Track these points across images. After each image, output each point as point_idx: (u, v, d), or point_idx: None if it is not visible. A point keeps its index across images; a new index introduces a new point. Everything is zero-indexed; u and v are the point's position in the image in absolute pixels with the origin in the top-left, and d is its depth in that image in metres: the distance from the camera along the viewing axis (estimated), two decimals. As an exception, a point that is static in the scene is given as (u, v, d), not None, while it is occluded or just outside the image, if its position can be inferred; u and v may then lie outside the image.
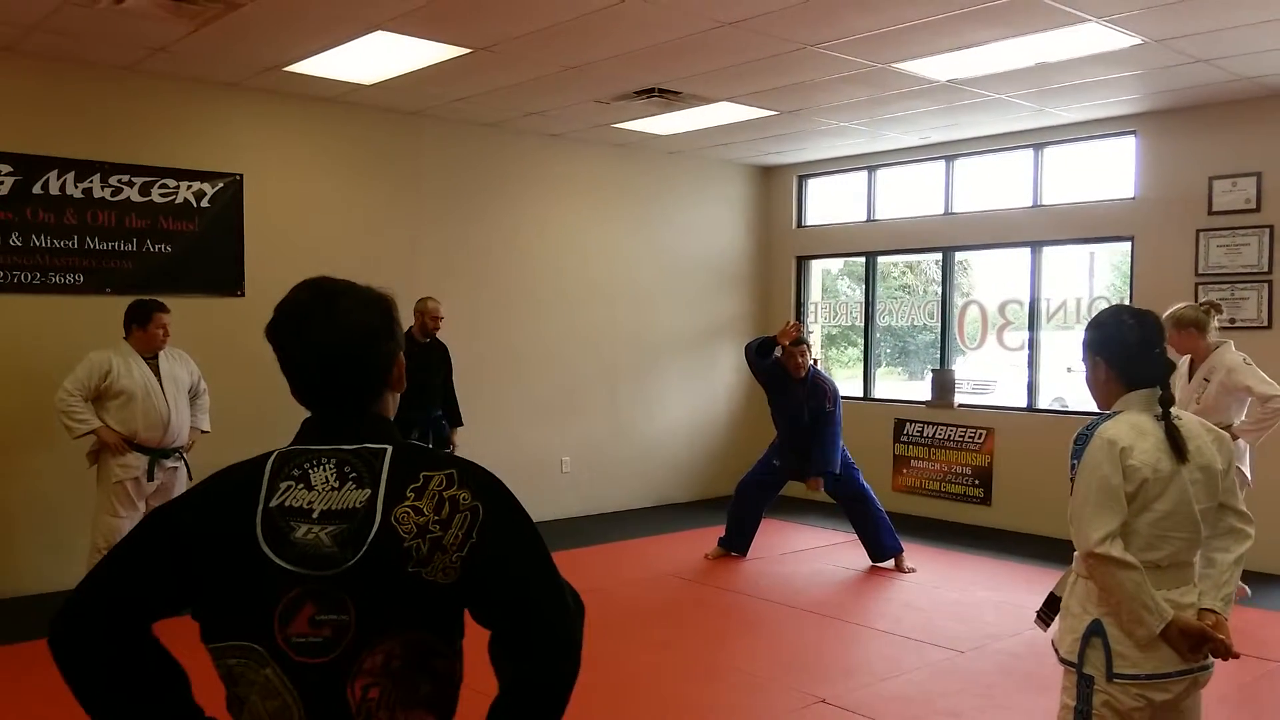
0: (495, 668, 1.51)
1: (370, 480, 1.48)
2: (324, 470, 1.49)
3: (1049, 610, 2.82)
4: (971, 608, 5.90)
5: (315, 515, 1.45)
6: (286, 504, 1.46)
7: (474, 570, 1.47)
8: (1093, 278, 9.96)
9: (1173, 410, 2.57)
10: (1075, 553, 2.60)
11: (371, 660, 1.44)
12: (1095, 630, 2.50)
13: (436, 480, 1.49)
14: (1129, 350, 2.61)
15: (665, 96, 6.83)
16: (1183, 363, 5.52)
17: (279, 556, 1.43)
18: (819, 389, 6.84)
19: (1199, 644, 2.44)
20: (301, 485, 1.48)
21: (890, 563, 6.79)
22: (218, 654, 1.48)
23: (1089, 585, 2.55)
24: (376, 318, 1.59)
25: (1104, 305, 7.79)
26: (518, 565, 1.51)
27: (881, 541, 6.80)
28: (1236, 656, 2.48)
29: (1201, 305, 5.51)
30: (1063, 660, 2.59)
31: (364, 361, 1.57)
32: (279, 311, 1.59)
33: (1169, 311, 5.51)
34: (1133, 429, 2.52)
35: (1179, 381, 5.57)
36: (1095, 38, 5.46)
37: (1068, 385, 8.92)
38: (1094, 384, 2.71)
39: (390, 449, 1.52)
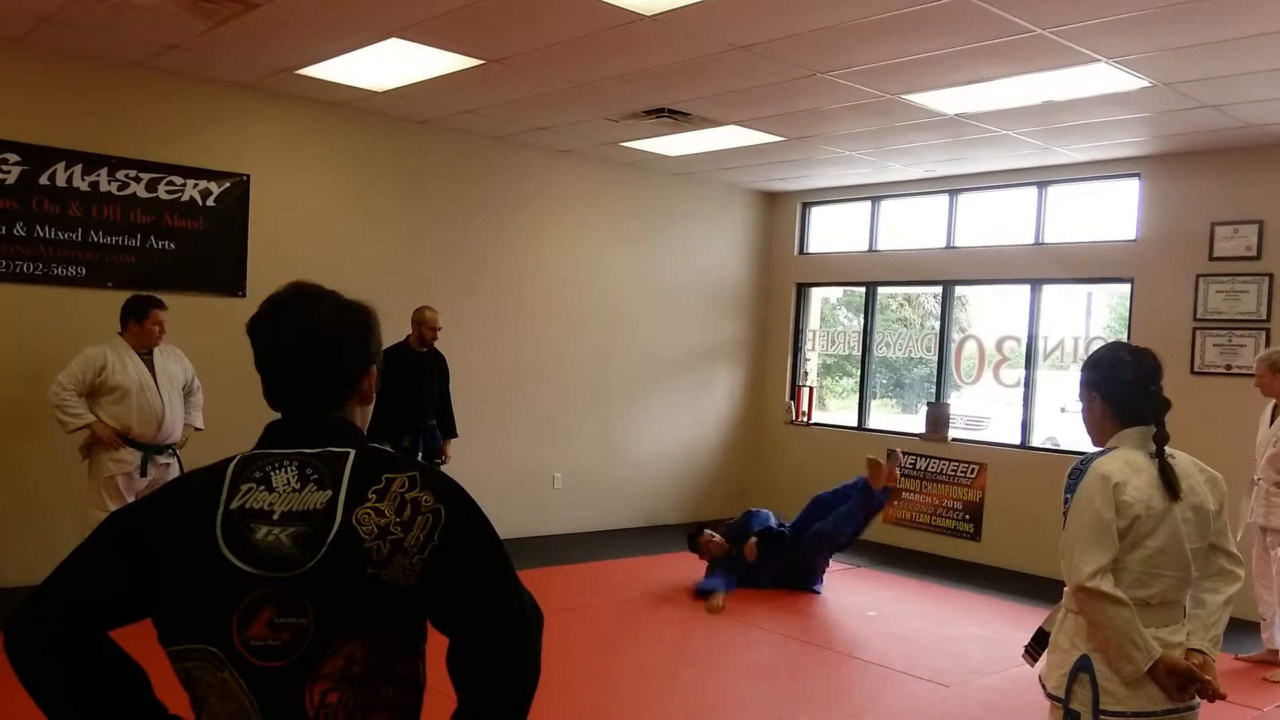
0: (453, 677, 1.49)
1: (332, 482, 1.47)
2: (286, 472, 1.48)
3: (1037, 645, 2.81)
4: (958, 642, 5.88)
5: (276, 517, 1.44)
6: (247, 506, 1.45)
7: (434, 573, 1.45)
8: (1089, 318, 10.00)
9: (1167, 449, 2.57)
10: (1066, 588, 2.60)
11: (331, 665, 1.42)
12: (1083, 666, 2.49)
13: (398, 482, 1.48)
14: (1125, 387, 2.62)
15: (674, 117, 6.87)
16: (1267, 407, 5.62)
17: (239, 558, 1.42)
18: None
19: (1186, 684, 2.43)
20: (263, 487, 1.46)
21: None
22: (175, 657, 1.46)
23: (1078, 621, 2.54)
24: (352, 325, 1.60)
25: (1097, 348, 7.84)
26: (478, 570, 1.49)
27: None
28: (1223, 698, 2.47)
29: None
30: (1050, 695, 2.58)
31: (332, 365, 1.57)
32: (261, 307, 1.61)
33: (1265, 352, 5.67)
34: (1127, 465, 2.52)
35: (1261, 425, 5.62)
36: (1104, 78, 5.49)
37: (1061, 425, 8.93)
38: (1090, 420, 2.71)
39: (353, 452, 1.52)
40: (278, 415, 1.60)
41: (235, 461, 1.51)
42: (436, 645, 1.55)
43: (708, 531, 7.10)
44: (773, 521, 7.06)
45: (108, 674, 1.47)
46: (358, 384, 1.61)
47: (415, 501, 1.47)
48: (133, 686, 1.49)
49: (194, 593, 1.43)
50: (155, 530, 1.46)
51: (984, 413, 10.07)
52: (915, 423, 9.41)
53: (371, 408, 1.69)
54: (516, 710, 1.48)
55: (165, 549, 1.45)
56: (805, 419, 9.72)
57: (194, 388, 5.80)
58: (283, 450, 1.51)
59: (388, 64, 5.98)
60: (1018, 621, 6.22)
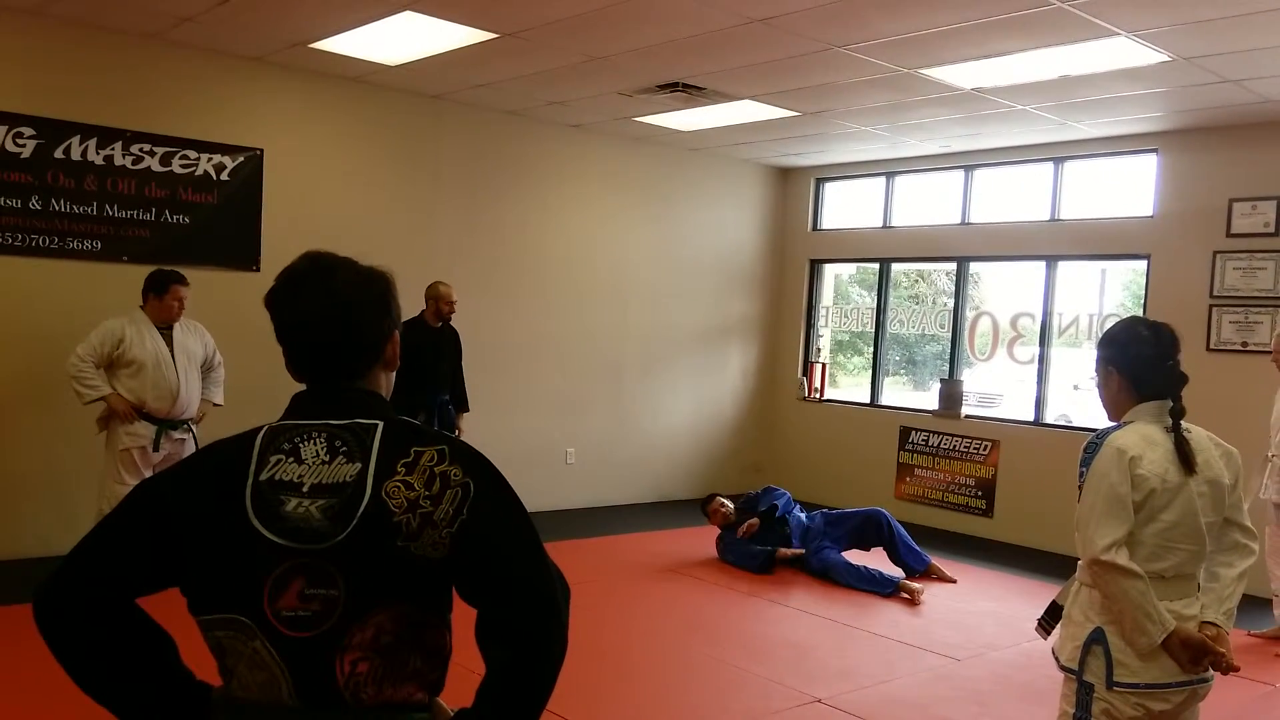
0: (481, 649, 1.50)
1: (361, 454, 1.47)
2: (314, 444, 1.48)
3: (1050, 618, 2.82)
4: (970, 617, 5.89)
5: (305, 489, 1.45)
6: (277, 478, 1.46)
7: (463, 546, 1.46)
8: (1103, 295, 9.95)
9: (1183, 423, 2.57)
10: (1080, 561, 2.60)
11: (361, 635, 1.43)
12: (1096, 638, 2.50)
13: (428, 456, 1.49)
14: (1142, 362, 2.61)
15: (689, 92, 6.84)
16: None
17: (269, 530, 1.43)
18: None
19: (1199, 656, 2.44)
20: (292, 459, 1.47)
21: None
22: (206, 626, 1.48)
23: (1092, 593, 2.55)
24: (371, 293, 1.60)
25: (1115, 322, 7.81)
26: (507, 543, 1.50)
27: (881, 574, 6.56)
28: (1237, 670, 2.48)
29: None
30: (1063, 667, 2.60)
31: (355, 334, 1.57)
32: (278, 279, 1.61)
33: None
34: (1142, 439, 2.52)
35: (1276, 402, 5.60)
36: (1123, 53, 5.45)
37: (1074, 402, 8.91)
38: (1106, 395, 2.71)
39: (381, 424, 1.52)
40: (292, 387, 1.60)
41: (263, 433, 1.52)
42: (460, 617, 1.55)
43: (719, 499, 7.19)
44: (782, 503, 7.06)
45: (134, 641, 1.49)
46: (380, 351, 1.61)
47: (444, 475, 1.48)
48: (159, 652, 1.51)
49: (224, 563, 1.45)
50: (183, 501, 1.47)
51: (997, 390, 10.05)
52: (927, 399, 9.41)
53: (394, 374, 1.69)
54: (545, 683, 1.49)
55: (194, 520, 1.46)
56: (818, 395, 9.73)
57: (215, 363, 5.83)
58: (310, 421, 1.52)
59: (401, 37, 5.96)
60: (1029, 597, 6.24)
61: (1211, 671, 2.50)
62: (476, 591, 1.50)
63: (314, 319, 1.56)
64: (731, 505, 7.11)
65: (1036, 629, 2.88)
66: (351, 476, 1.46)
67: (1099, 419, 2.72)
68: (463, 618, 1.54)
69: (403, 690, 1.48)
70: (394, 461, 1.48)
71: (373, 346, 1.60)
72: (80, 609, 1.45)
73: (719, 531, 7.11)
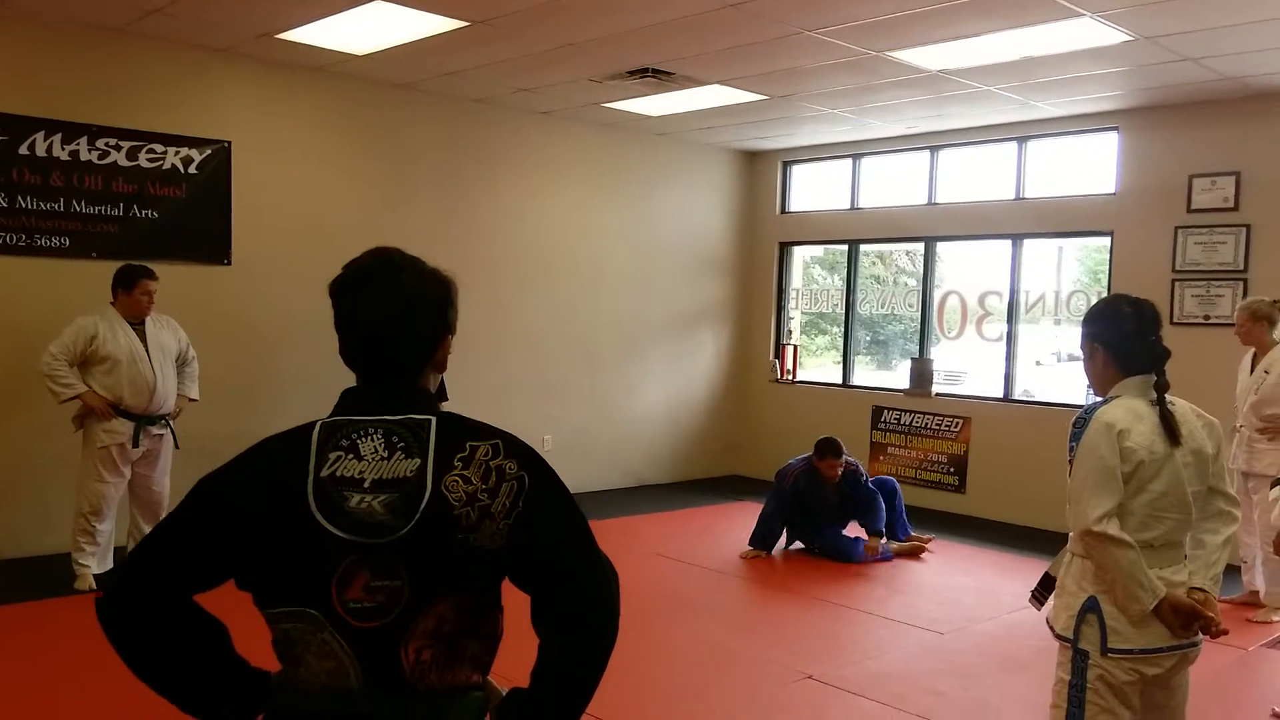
0: (538, 633, 1.56)
1: (419, 450, 1.52)
2: (372, 440, 1.52)
3: (1043, 590, 2.90)
4: (950, 592, 6.00)
5: (367, 485, 1.49)
6: (338, 474, 1.50)
7: (519, 537, 1.52)
8: (1060, 272, 10.10)
9: (1167, 396, 2.64)
10: (1071, 532, 2.68)
11: (424, 624, 1.49)
12: (1091, 607, 2.57)
13: (483, 450, 1.54)
14: (1126, 338, 2.68)
15: (658, 77, 6.85)
16: (1246, 356, 5.80)
17: (333, 525, 1.47)
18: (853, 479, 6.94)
19: (1189, 621, 2.52)
20: (351, 455, 1.51)
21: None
22: (273, 619, 1.53)
23: (1085, 564, 2.62)
24: (431, 296, 1.65)
25: (1078, 300, 7.97)
26: (561, 534, 1.57)
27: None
28: (1226, 633, 2.57)
29: (1275, 301, 5.73)
30: (1058, 636, 2.67)
31: (414, 335, 1.62)
32: (344, 269, 1.64)
33: (1245, 302, 5.88)
34: (1129, 413, 2.59)
35: (1241, 374, 5.79)
36: (1086, 32, 5.53)
37: (1036, 378, 9.05)
38: (1092, 371, 2.77)
39: (435, 419, 1.57)
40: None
41: (318, 428, 1.55)
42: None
43: (845, 457, 6.98)
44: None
45: (193, 634, 1.54)
46: (434, 353, 1.66)
47: (500, 469, 1.53)
48: (217, 643, 1.56)
49: (291, 559, 1.49)
50: (247, 500, 1.51)
51: (961, 367, 10.17)
52: (893, 378, 9.51)
53: (443, 374, 1.73)
54: (598, 665, 1.56)
55: (259, 518, 1.50)
56: (790, 377, 9.81)
57: (189, 358, 5.77)
58: (366, 418, 1.56)
59: (370, 26, 5.91)
60: (1004, 570, 6.37)
61: (1201, 635, 2.58)
62: (532, 580, 1.56)
63: (376, 316, 1.59)
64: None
65: (1030, 600, 2.96)
66: (411, 472, 1.50)
67: (1065, 394, 2.79)
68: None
69: (461, 673, 1.54)
70: (450, 456, 1.52)
71: (427, 349, 1.65)
72: (142, 608, 1.50)
73: (799, 473, 6.88)
